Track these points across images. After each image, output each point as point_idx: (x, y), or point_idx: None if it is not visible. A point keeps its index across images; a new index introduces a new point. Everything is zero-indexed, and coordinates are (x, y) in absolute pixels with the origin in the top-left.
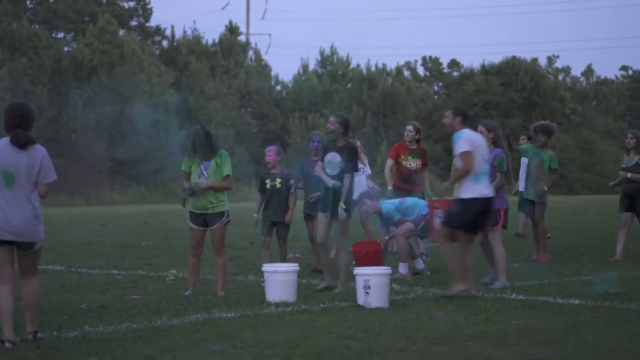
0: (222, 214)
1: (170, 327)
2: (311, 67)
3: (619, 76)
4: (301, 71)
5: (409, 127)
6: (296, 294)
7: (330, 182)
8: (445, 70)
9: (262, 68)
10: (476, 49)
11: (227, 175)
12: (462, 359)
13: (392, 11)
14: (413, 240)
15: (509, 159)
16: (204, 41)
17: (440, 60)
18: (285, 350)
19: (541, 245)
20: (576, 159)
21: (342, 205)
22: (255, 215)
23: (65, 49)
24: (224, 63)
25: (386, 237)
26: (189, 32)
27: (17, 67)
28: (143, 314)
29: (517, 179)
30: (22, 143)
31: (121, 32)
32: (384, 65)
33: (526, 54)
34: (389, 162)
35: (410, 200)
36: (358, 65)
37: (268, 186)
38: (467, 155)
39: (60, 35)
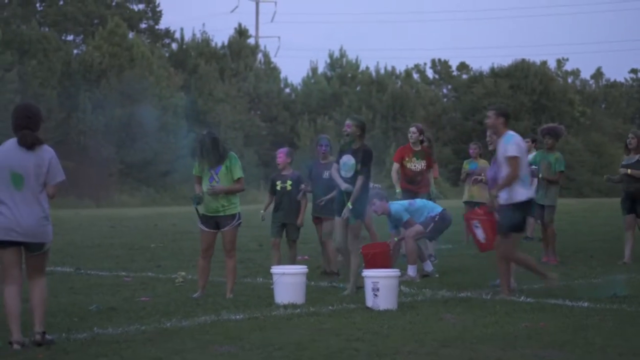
0: (233, 216)
1: (179, 329)
2: (320, 69)
3: (629, 79)
4: (310, 74)
5: (412, 129)
6: (305, 296)
7: (343, 185)
8: (455, 73)
9: (271, 71)
10: (485, 51)
11: (239, 178)
12: None
13: (401, 14)
14: (421, 242)
15: None
16: (213, 44)
17: (450, 63)
18: (293, 352)
19: (550, 247)
20: (585, 162)
21: (349, 205)
22: (261, 212)
23: (75, 51)
24: (233, 66)
25: (395, 239)
26: (198, 35)
27: (26, 70)
28: (152, 316)
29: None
30: (29, 144)
31: (131, 35)
32: (393, 68)
33: (535, 57)
34: (395, 165)
35: (419, 202)
36: (367, 68)
37: (278, 188)
38: (516, 161)
39: (70, 38)
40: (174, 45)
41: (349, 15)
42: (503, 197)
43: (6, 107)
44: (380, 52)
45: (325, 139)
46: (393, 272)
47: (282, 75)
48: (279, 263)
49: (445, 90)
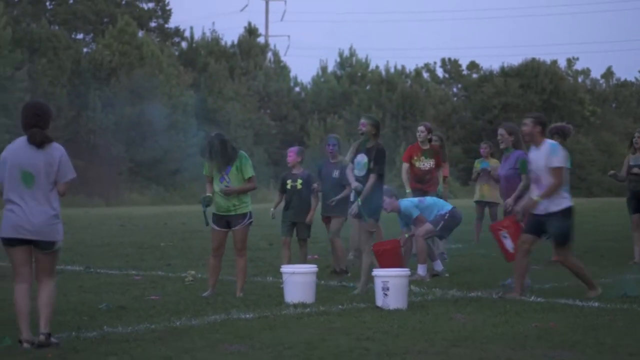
0: (244, 215)
1: (189, 327)
2: (330, 68)
3: (639, 78)
4: (320, 73)
5: (421, 128)
6: (315, 296)
7: (354, 184)
8: (465, 72)
9: (281, 69)
10: (495, 51)
11: (250, 177)
12: None
13: (411, 13)
14: (431, 240)
15: None
16: (222, 42)
17: (460, 62)
18: (303, 351)
19: None
20: (596, 162)
21: (358, 201)
22: (271, 210)
23: (85, 50)
24: (242, 64)
25: (406, 235)
26: (208, 34)
27: (36, 68)
28: (162, 315)
29: None
30: (39, 142)
31: (140, 34)
32: (403, 67)
33: (546, 56)
34: (405, 166)
35: (429, 200)
36: (377, 67)
37: (289, 186)
38: (561, 171)
39: (80, 36)
40: (184, 44)
41: (359, 14)
42: (542, 207)
43: (16, 106)
44: (390, 51)
45: (333, 139)
46: (403, 271)
47: (291, 74)
48: (289, 262)
49: (455, 90)
